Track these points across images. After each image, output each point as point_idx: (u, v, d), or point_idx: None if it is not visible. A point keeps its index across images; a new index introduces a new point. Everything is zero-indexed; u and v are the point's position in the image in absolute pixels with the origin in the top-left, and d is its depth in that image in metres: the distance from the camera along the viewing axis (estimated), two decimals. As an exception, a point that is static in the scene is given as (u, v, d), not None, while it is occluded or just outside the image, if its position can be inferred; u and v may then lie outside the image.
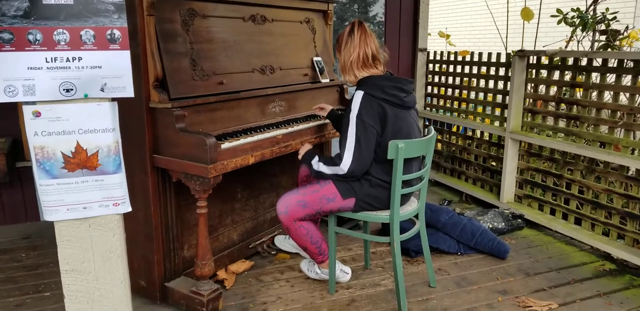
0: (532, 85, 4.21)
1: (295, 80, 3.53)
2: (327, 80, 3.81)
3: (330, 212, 2.87)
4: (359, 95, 2.72)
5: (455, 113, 5.12)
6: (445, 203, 4.70)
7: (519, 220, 4.06)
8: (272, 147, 2.91)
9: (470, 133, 4.91)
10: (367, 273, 3.35)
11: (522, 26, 4.74)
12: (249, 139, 2.78)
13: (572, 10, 4.40)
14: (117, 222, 1.97)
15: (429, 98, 5.50)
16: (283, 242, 3.58)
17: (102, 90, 1.83)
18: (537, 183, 4.17)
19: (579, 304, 2.99)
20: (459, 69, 5.01)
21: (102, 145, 1.87)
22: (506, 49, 4.86)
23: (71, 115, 1.81)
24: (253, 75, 3.19)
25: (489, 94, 4.66)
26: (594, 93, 3.77)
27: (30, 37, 1.71)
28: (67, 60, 1.76)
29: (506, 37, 5.16)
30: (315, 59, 3.76)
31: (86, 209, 1.90)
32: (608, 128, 3.60)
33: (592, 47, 4.48)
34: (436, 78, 5.37)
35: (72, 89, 1.78)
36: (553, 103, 4.06)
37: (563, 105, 4.00)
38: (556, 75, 4.00)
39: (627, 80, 3.48)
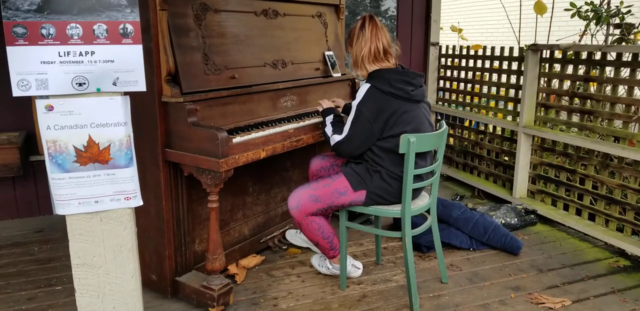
0: (545, 79, 4.18)
1: (306, 74, 3.52)
2: (339, 75, 3.79)
3: (342, 207, 2.87)
4: (364, 88, 2.75)
5: (468, 108, 5.09)
6: (457, 198, 4.68)
7: (532, 216, 4.03)
8: (283, 141, 2.91)
9: (482, 128, 4.88)
10: (378, 268, 3.34)
11: (535, 20, 4.70)
12: (261, 133, 2.77)
13: (586, 3, 4.35)
14: (129, 215, 1.98)
15: (441, 93, 5.47)
16: (294, 236, 3.58)
17: (114, 84, 1.83)
18: (550, 178, 4.14)
19: (593, 301, 2.96)
20: (471, 63, 4.98)
21: (114, 139, 1.87)
22: (519, 43, 4.83)
23: (83, 109, 1.81)
24: (265, 70, 3.19)
25: (501, 88, 4.63)
26: (608, 88, 3.73)
27: (44, 32, 1.71)
28: (80, 54, 1.77)
29: (519, 31, 5.12)
30: (327, 53, 3.74)
31: (98, 203, 1.91)
32: (622, 123, 3.57)
33: (606, 40, 4.44)
34: (448, 73, 5.34)
35: (84, 83, 1.79)
36: (566, 98, 4.03)
37: (576, 100, 3.96)
38: (569, 69, 3.96)
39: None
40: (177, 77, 2.64)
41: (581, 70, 3.89)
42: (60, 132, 1.80)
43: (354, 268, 3.18)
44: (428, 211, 3.01)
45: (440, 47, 5.40)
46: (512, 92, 4.49)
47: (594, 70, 3.81)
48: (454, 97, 5.30)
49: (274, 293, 3.03)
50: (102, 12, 1.77)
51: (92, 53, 1.78)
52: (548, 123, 4.16)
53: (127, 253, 2.00)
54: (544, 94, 4.21)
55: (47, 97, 1.77)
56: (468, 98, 5.08)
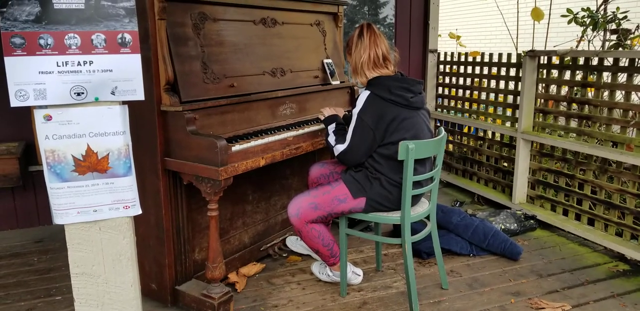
0: (543, 85, 4.19)
1: (305, 82, 3.54)
2: (338, 82, 3.80)
3: (342, 214, 2.87)
4: (364, 95, 2.76)
5: (466, 114, 5.10)
6: (457, 205, 4.68)
7: (532, 221, 4.03)
8: (282, 149, 2.91)
9: (481, 134, 4.89)
10: (378, 275, 3.34)
11: (533, 26, 4.73)
12: (260, 141, 2.78)
13: (583, 9, 4.37)
14: (128, 224, 1.98)
15: (439, 99, 5.48)
16: (295, 243, 3.58)
17: (112, 93, 1.84)
18: (550, 183, 4.14)
19: (593, 305, 2.96)
20: (469, 69, 4.99)
21: (112, 148, 1.88)
22: (517, 49, 4.85)
23: (82, 119, 1.82)
24: (263, 78, 3.20)
25: (499, 95, 4.64)
26: (606, 93, 3.74)
27: (42, 42, 1.72)
28: (78, 64, 1.78)
29: (516, 37, 5.14)
30: (325, 61, 3.76)
31: (96, 212, 1.91)
32: (620, 128, 3.58)
33: (603, 46, 4.46)
34: (447, 79, 5.35)
35: (83, 93, 1.79)
36: (564, 103, 4.04)
37: (574, 105, 3.97)
38: (567, 75, 3.98)
39: (638, 79, 3.45)
40: (176, 86, 2.65)
41: (579, 76, 3.90)
42: (58, 141, 1.81)
43: (355, 275, 3.18)
44: (428, 217, 3.01)
45: (439, 54, 5.42)
46: (510, 98, 4.50)
47: (591, 76, 3.82)
48: (452, 103, 5.31)
49: (274, 301, 3.02)
50: (101, 22, 1.78)
51: (91, 63, 1.79)
52: (546, 128, 4.17)
53: (126, 262, 2.00)
54: (542, 100, 4.22)
55: (45, 106, 1.78)
56: (467, 104, 5.09)
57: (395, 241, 2.85)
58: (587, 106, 3.81)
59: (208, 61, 2.84)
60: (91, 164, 1.86)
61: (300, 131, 3.09)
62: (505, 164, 4.64)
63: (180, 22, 2.73)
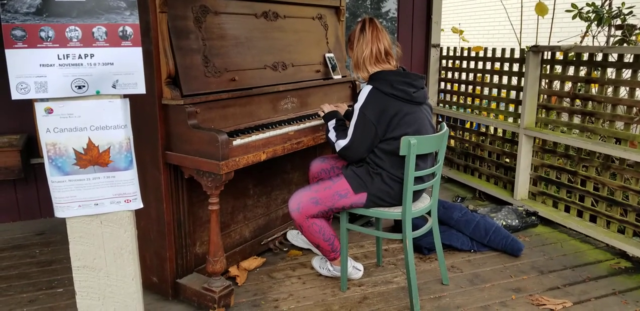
0: (547, 81, 4.17)
1: (307, 76, 3.53)
2: (340, 77, 3.79)
3: (343, 209, 2.87)
4: (366, 90, 2.75)
5: (469, 110, 5.08)
6: (458, 200, 4.68)
7: (533, 217, 4.02)
8: (284, 143, 2.91)
9: (483, 130, 4.88)
10: (379, 270, 3.34)
11: (537, 21, 4.69)
12: (261, 136, 2.77)
13: (587, 4, 4.34)
14: (129, 218, 1.98)
15: (442, 95, 5.47)
16: (295, 237, 3.58)
17: (113, 86, 1.83)
18: (552, 180, 4.13)
19: (594, 302, 2.96)
20: (472, 64, 4.97)
21: (113, 142, 1.87)
22: (520, 45, 4.82)
23: (83, 112, 1.81)
24: (265, 72, 3.19)
25: (502, 90, 4.62)
26: (610, 89, 3.73)
27: (43, 34, 1.71)
28: (79, 57, 1.77)
29: (520, 32, 5.11)
30: (327, 55, 3.74)
31: (98, 206, 1.91)
32: (624, 125, 3.56)
33: (607, 42, 4.43)
34: (449, 75, 5.34)
35: (84, 86, 1.79)
36: (568, 99, 4.02)
37: (578, 101, 3.96)
38: (571, 70, 3.96)
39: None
40: (177, 80, 2.64)
41: (582, 72, 3.88)
42: (59, 134, 1.80)
43: (355, 270, 3.17)
44: (429, 213, 3.01)
45: (441, 49, 5.40)
46: (513, 93, 4.48)
47: (595, 72, 3.80)
48: (455, 98, 5.29)
49: (274, 295, 3.02)
50: (102, 15, 1.77)
51: (92, 56, 1.78)
52: (549, 124, 4.15)
53: (127, 256, 2.00)
54: (545, 96, 4.21)
55: (46, 99, 1.77)
56: (469, 100, 5.07)
57: (396, 236, 2.85)
58: (590, 102, 3.80)
59: (209, 55, 2.83)
60: (92, 157, 1.86)
61: (302, 125, 3.08)
62: (507, 160, 4.63)
63: (181, 15, 2.72)
